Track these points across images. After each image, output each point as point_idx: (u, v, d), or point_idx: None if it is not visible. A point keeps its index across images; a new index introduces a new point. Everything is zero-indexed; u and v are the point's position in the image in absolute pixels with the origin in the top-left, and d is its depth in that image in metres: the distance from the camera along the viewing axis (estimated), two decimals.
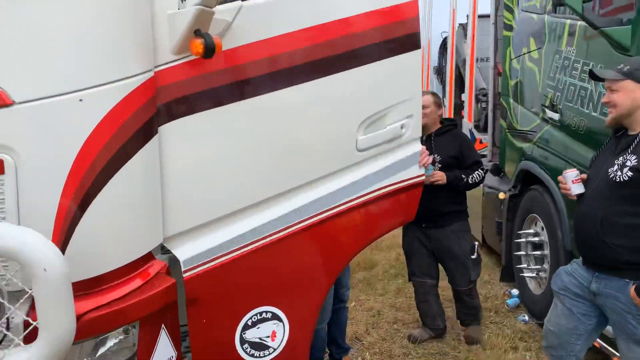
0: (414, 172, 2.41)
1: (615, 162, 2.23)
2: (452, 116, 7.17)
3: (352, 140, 2.18)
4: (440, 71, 10.68)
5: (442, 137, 3.63)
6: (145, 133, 1.62)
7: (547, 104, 3.93)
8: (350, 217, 2.18)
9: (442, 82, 9.55)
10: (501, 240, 4.83)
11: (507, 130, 4.93)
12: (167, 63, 1.66)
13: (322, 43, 2.01)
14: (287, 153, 1.97)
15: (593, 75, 2.43)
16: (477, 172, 3.55)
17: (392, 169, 2.33)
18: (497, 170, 5.17)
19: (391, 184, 2.33)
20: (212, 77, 1.75)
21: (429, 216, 3.55)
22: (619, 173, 2.19)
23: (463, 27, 7.49)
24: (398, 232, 7.36)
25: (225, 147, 1.84)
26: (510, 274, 4.56)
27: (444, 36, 9.85)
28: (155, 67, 1.64)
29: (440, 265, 3.81)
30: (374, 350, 3.64)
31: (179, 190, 1.76)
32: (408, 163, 2.39)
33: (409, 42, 2.29)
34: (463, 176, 3.50)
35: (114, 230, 1.60)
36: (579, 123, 3.40)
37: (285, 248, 2.00)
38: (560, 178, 2.44)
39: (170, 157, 1.70)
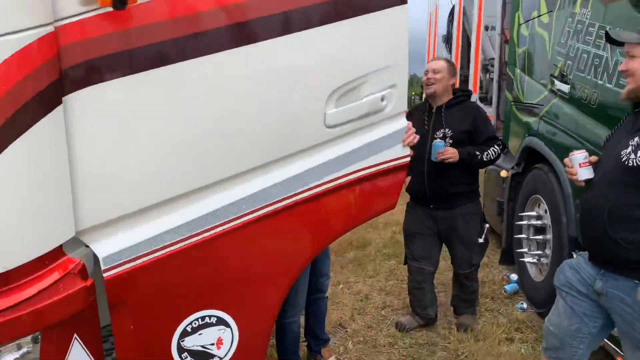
0: (398, 153, 2.08)
1: (630, 142, 1.88)
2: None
3: (319, 115, 1.85)
4: (449, 40, 10.16)
5: (453, 109, 3.25)
6: (45, 102, 1.30)
7: (556, 74, 3.54)
8: (316, 205, 1.88)
9: (451, 51, 9.08)
10: (502, 221, 4.52)
11: (512, 103, 4.55)
12: (71, 16, 1.33)
13: None
14: (229, 132, 1.64)
15: (610, 39, 2.05)
16: (492, 148, 3.18)
17: (370, 149, 2.01)
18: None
19: (369, 166, 2.01)
20: (129, 36, 1.42)
21: (438, 197, 3.26)
22: (632, 156, 1.84)
23: None
24: (396, 208, 7.05)
25: (151, 124, 1.51)
26: (510, 258, 4.27)
27: (453, 3, 9.31)
28: (56, 20, 1.31)
29: (440, 250, 3.52)
30: (357, 339, 3.39)
31: (92, 173, 1.45)
32: (390, 142, 2.06)
33: None
34: (477, 153, 3.14)
35: (3, 219, 1.29)
36: (591, 96, 3.02)
37: (232, 243, 1.71)
38: (566, 160, 2.10)
39: (79, 133, 1.38)
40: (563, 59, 3.42)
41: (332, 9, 1.81)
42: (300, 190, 1.83)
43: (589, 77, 3.04)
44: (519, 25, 4.41)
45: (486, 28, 6.27)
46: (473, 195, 3.38)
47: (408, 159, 2.11)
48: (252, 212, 1.74)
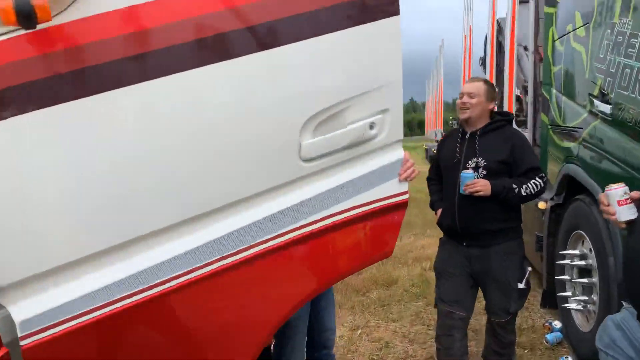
0: (393, 189, 1.75)
1: None
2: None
3: (292, 146, 1.56)
4: (485, 62, 9.75)
5: (489, 135, 2.87)
6: None
7: (595, 93, 3.12)
8: (288, 256, 1.57)
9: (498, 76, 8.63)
10: (542, 258, 4.04)
11: (549, 127, 4.12)
12: None
13: (232, 8, 1.40)
14: (179, 172, 1.38)
15: None
16: (533, 181, 2.75)
17: (358, 185, 1.69)
18: None
19: (357, 205, 1.69)
20: (47, 61, 1.19)
21: (470, 233, 2.87)
22: None
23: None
24: (428, 242, 6.56)
25: (81, 162, 1.26)
26: (552, 300, 3.77)
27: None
28: None
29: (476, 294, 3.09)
30: None
31: (8, 222, 1.21)
32: (383, 176, 1.74)
33: (382, 3, 1.64)
34: (514, 186, 2.73)
35: None
36: (637, 117, 2.60)
37: (184, 300, 1.42)
38: (601, 197, 1.71)
39: None
40: (603, 76, 3.01)
41: (307, 23, 1.54)
42: (267, 237, 1.53)
43: (634, 95, 2.62)
44: (554, 41, 4.02)
45: (525, 48, 5.87)
46: (512, 232, 2.94)
47: (406, 196, 1.77)
48: (204, 266, 1.45)
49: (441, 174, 3.10)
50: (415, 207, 7.48)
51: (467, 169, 2.84)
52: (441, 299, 3.06)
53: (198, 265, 1.47)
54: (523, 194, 2.76)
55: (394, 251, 5.23)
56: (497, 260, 2.88)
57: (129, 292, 1.34)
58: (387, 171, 1.73)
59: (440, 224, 3.08)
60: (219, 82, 1.39)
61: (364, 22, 1.61)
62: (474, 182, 2.74)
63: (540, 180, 2.80)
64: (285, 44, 1.50)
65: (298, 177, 1.59)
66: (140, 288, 1.41)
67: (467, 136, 2.94)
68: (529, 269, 2.99)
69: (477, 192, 2.73)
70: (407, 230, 7.05)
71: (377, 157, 1.72)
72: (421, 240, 6.70)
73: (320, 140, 1.60)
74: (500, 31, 6.85)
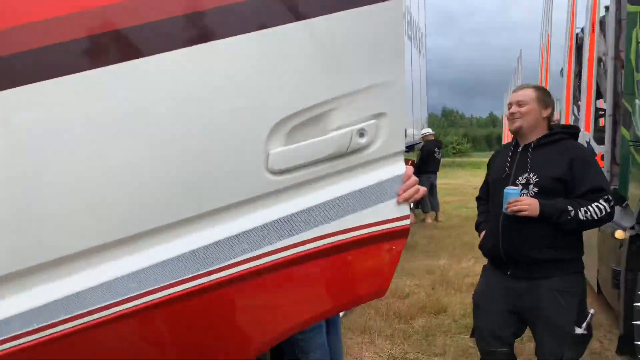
0: (389, 213, 1.42)
1: None
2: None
3: (257, 156, 1.28)
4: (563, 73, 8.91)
5: (544, 149, 2.46)
6: None
7: None
8: (249, 290, 1.28)
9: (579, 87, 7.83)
10: (619, 296, 3.43)
11: (631, 143, 3.51)
12: None
13: None
14: (112, 182, 1.16)
15: None
16: (596, 204, 2.30)
17: (343, 206, 1.38)
18: (618, 198, 3.73)
19: (340, 231, 1.37)
20: None
21: (516, 261, 2.47)
22: None
23: (601, 21, 5.90)
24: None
25: None
26: (631, 348, 3.16)
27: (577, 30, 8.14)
28: None
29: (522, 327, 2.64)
30: None
31: None
32: (376, 197, 1.42)
33: None
34: (569, 208, 2.29)
35: None
36: None
37: (116, 336, 1.18)
38: None
39: None
40: None
41: (279, 5, 1.27)
42: (218, 266, 1.26)
43: None
44: (637, 44, 3.43)
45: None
46: (569, 265, 2.45)
47: (407, 222, 1.43)
48: (151, 293, 1.20)
49: None
50: None
51: (517, 185, 2.44)
52: (481, 335, 2.66)
53: (156, 286, 1.23)
54: (581, 218, 2.29)
55: (448, 274, 4.74)
56: (548, 299, 2.41)
57: (73, 314, 1.13)
58: (382, 190, 1.41)
59: (481, 247, 2.68)
60: (141, 79, 1.15)
61: (353, 6, 1.31)
62: (517, 200, 2.33)
63: (605, 204, 2.31)
64: (247, 31, 1.23)
65: (264, 192, 1.31)
66: (67, 317, 1.19)
67: (520, 149, 2.53)
68: (592, 311, 2.49)
69: (521, 211, 2.31)
70: (467, 252, 6.48)
71: (369, 173, 1.40)
72: (482, 264, 6.12)
73: (294, 149, 1.32)
74: (579, 40, 6.16)
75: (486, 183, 2.78)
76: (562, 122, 6.40)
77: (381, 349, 3.73)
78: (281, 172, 1.31)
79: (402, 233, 1.42)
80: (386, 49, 1.36)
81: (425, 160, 8.97)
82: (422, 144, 9.42)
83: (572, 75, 6.02)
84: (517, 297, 2.49)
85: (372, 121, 1.37)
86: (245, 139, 1.27)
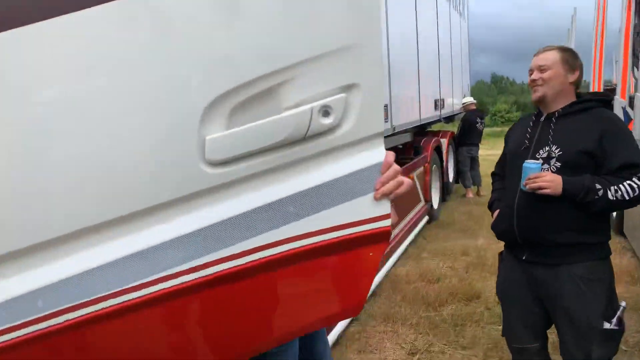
0: (363, 212, 1.14)
1: None
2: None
3: (190, 142, 1.02)
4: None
5: (571, 118, 2.13)
6: None
7: None
8: (182, 307, 1.04)
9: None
10: None
11: None
12: None
13: None
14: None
15: None
16: (628, 182, 1.97)
17: (303, 204, 1.11)
18: None
19: (299, 235, 1.11)
20: None
21: (532, 245, 2.17)
22: None
23: None
24: None
25: None
26: None
27: None
28: None
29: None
30: None
31: None
32: (346, 191, 1.13)
33: None
34: (598, 186, 1.98)
35: None
36: None
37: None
38: None
39: None
40: None
41: None
42: (146, 279, 1.02)
43: None
44: None
45: None
46: (595, 250, 2.12)
47: (387, 222, 1.14)
48: (62, 313, 0.98)
49: None
50: None
51: (537, 159, 2.10)
52: (509, 330, 2.38)
53: (75, 302, 1.01)
54: (611, 198, 1.96)
55: (485, 256, 4.36)
56: (570, 288, 2.11)
57: None
58: (355, 184, 1.11)
59: (493, 228, 2.36)
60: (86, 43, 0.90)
61: None
62: (538, 175, 2.00)
63: (639, 182, 1.96)
64: None
65: (200, 189, 1.05)
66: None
67: (542, 119, 2.19)
68: (623, 304, 2.14)
69: (541, 189, 1.99)
70: None
71: (338, 161, 1.11)
72: None
73: (237, 134, 1.04)
74: None
75: (503, 156, 2.44)
76: (619, 87, 5.78)
77: (404, 340, 3.47)
78: (222, 163, 1.05)
79: (382, 236, 1.13)
80: (357, 2, 1.05)
81: (466, 131, 8.43)
82: (463, 113, 8.87)
83: (631, 32, 5.34)
84: (537, 285, 2.20)
85: (340, 95, 1.08)
86: (174, 123, 1.01)
